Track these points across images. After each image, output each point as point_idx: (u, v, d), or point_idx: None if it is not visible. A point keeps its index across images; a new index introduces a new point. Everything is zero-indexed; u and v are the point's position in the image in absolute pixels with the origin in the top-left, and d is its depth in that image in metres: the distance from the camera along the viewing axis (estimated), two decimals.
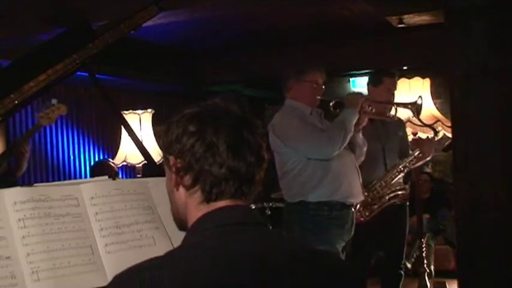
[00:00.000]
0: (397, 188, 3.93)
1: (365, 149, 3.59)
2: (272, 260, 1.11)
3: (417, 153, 4.01)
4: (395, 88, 3.97)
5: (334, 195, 3.34)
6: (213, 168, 1.16)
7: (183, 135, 1.19)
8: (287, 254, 1.15)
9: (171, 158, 1.21)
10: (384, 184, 3.87)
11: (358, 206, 3.59)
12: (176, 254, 1.13)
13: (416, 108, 3.71)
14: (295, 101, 3.48)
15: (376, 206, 3.83)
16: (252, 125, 1.22)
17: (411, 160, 3.98)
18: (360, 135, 3.53)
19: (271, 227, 4.12)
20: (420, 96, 3.80)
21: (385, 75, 3.95)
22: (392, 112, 3.84)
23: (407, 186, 4.00)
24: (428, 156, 4.06)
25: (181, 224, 1.26)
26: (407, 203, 4.03)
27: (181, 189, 1.21)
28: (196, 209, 1.20)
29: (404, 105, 3.85)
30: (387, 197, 3.87)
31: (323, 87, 3.51)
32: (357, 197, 3.46)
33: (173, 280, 1.05)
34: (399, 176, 3.95)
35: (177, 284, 1.04)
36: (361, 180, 3.51)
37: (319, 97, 3.48)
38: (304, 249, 1.21)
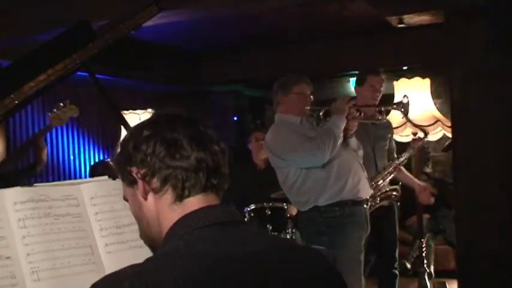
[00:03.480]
0: (388, 189, 3.94)
1: (361, 152, 3.61)
2: (258, 259, 1.10)
3: (408, 154, 4.04)
4: (380, 85, 3.95)
5: (342, 194, 3.37)
6: (181, 162, 1.15)
7: (141, 143, 1.17)
8: (271, 252, 1.14)
9: (133, 169, 1.18)
10: (374, 185, 3.87)
11: (369, 203, 3.59)
12: (159, 260, 1.09)
13: (402, 107, 3.65)
14: (284, 114, 3.54)
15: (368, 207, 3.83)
16: (203, 121, 1.22)
17: (402, 161, 4.02)
18: (354, 139, 3.56)
19: (270, 227, 4.11)
20: (405, 95, 3.75)
21: (368, 74, 3.98)
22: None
23: (398, 187, 4.00)
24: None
25: (155, 241, 1.22)
26: (398, 204, 4.05)
27: (150, 197, 1.19)
28: (169, 210, 1.17)
29: (389, 106, 3.80)
30: (378, 198, 3.88)
31: (311, 97, 3.54)
32: (365, 191, 3.49)
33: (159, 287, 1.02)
34: (389, 178, 3.96)
35: None
36: (366, 174, 3.53)
37: (308, 107, 3.52)
38: (287, 246, 1.22)
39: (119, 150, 1.25)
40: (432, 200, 4.28)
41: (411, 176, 4.31)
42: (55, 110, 3.76)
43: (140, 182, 1.19)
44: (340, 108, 3.45)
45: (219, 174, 1.19)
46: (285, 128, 3.49)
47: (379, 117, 3.75)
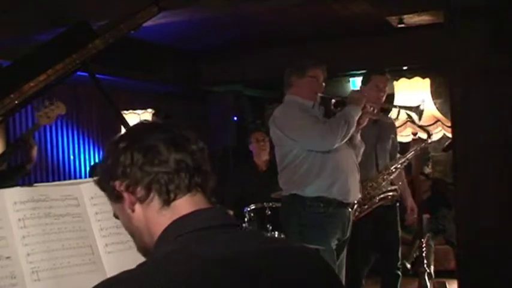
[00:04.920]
0: (388, 189, 3.94)
1: (362, 149, 3.58)
2: (250, 262, 1.10)
3: (410, 155, 4.06)
4: (384, 85, 3.96)
5: (331, 190, 3.31)
6: (161, 166, 1.15)
7: (118, 156, 1.18)
8: (264, 253, 1.13)
9: (116, 183, 1.18)
10: (375, 185, 3.87)
11: (355, 206, 3.55)
12: (151, 265, 1.08)
13: (419, 112, 3.71)
14: (296, 96, 3.47)
15: (366, 206, 3.82)
16: (177, 125, 1.23)
17: (403, 162, 4.02)
18: (359, 136, 3.52)
19: (270, 227, 4.07)
20: (424, 100, 3.80)
21: (373, 73, 3.97)
22: (395, 113, 3.83)
23: (397, 187, 4.01)
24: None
25: (150, 252, 1.20)
26: (398, 204, 4.05)
27: (137, 207, 1.18)
28: (159, 216, 1.16)
29: (408, 108, 3.83)
30: (378, 198, 3.88)
31: (323, 84, 3.50)
32: (354, 195, 3.43)
33: None
34: (390, 178, 3.96)
35: None
36: (359, 177, 3.49)
37: (320, 94, 3.47)
38: (282, 249, 1.20)
39: (99, 169, 1.24)
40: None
41: (409, 192, 4.33)
42: (43, 109, 3.75)
43: (125, 194, 1.18)
44: (358, 99, 3.41)
45: (201, 173, 1.19)
46: (297, 108, 3.42)
47: (390, 116, 3.67)
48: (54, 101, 3.74)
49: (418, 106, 3.73)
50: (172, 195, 1.16)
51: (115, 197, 1.20)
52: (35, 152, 3.93)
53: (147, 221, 1.18)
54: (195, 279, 1.03)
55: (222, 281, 1.05)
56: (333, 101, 3.55)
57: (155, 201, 1.17)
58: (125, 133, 1.24)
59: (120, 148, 1.18)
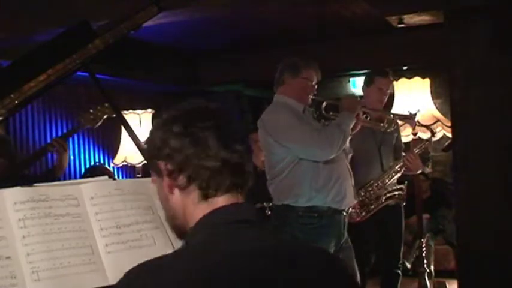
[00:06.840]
0: (394, 188, 3.93)
1: (350, 156, 3.44)
2: (282, 257, 1.13)
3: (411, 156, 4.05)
4: (387, 88, 3.93)
5: (325, 199, 3.19)
6: (207, 162, 1.16)
7: (169, 138, 1.18)
8: (292, 251, 1.16)
9: (160, 163, 1.20)
10: (380, 184, 3.86)
11: (350, 210, 3.43)
12: (186, 253, 1.12)
13: (413, 122, 3.70)
14: (286, 97, 3.33)
15: (372, 206, 3.81)
16: (233, 117, 1.23)
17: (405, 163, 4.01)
18: (347, 142, 3.35)
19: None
20: (419, 110, 3.80)
21: (377, 75, 3.92)
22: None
23: (404, 187, 3.99)
24: (415, 171, 4.09)
25: (180, 230, 1.24)
26: (404, 203, 4.03)
27: (177, 192, 1.20)
28: (196, 207, 1.19)
29: (401, 117, 3.81)
30: (383, 198, 3.86)
31: (316, 86, 3.37)
32: (349, 201, 3.31)
33: (186, 280, 1.04)
34: (396, 177, 3.95)
35: (192, 283, 1.04)
36: (353, 183, 3.36)
37: (311, 96, 3.34)
38: (304, 247, 1.24)
39: (147, 139, 1.26)
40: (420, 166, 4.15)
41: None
42: (90, 110, 3.59)
43: (166, 178, 1.20)
44: (352, 107, 3.29)
45: (242, 173, 1.20)
46: (288, 113, 3.25)
47: (384, 125, 3.63)
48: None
49: (414, 115, 3.70)
50: (212, 192, 1.18)
51: (156, 172, 1.23)
52: (66, 157, 3.64)
53: (184, 207, 1.21)
54: (224, 271, 1.06)
55: (248, 274, 1.08)
56: (324, 103, 3.45)
57: (195, 194, 1.19)
58: (181, 114, 1.22)
59: (173, 130, 1.18)
